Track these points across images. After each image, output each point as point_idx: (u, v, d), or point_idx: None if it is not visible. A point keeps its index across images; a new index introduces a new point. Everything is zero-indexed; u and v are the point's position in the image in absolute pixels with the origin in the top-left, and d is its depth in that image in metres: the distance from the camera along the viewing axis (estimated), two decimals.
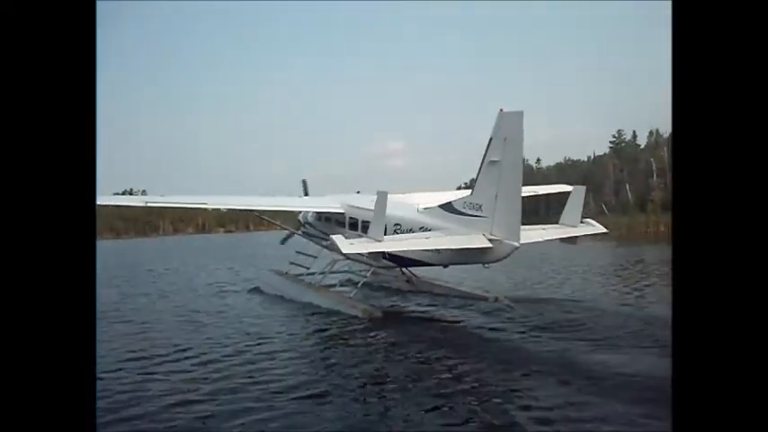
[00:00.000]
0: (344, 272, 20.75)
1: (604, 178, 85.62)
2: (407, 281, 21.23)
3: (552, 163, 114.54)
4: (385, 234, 15.35)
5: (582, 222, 17.68)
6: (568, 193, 17.92)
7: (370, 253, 16.05)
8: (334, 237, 15.06)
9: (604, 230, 18.63)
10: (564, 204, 17.69)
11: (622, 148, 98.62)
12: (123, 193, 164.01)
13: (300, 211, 21.98)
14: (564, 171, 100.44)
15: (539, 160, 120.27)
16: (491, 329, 14.80)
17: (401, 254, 16.25)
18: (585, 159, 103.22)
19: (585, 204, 18.48)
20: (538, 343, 13.01)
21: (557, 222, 17.78)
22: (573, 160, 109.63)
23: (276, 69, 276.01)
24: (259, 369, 11.25)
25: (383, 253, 16.44)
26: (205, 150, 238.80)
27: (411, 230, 16.11)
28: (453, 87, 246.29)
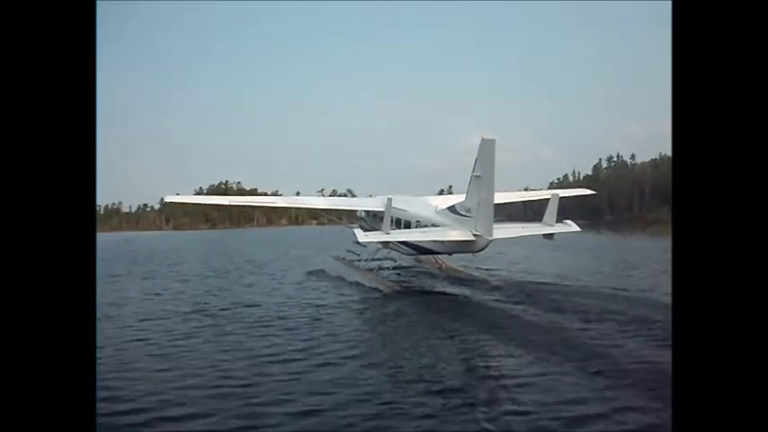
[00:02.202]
0: (384, 258, 27.04)
1: None
2: (439, 267, 27.65)
3: (647, 159, 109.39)
4: (409, 227, 22.70)
5: (561, 222, 22.22)
6: (582, 195, 23.75)
7: (383, 242, 22.14)
8: (354, 230, 21.32)
9: (578, 229, 23.01)
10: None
11: None
12: (219, 185, 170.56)
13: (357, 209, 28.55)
14: (659, 167, 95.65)
15: (633, 156, 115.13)
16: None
17: (420, 245, 22.84)
18: None
19: None
20: None
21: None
22: (668, 156, 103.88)
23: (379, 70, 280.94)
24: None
25: (407, 245, 23.39)
26: (306, 148, 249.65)
27: (426, 226, 22.25)
28: (540, 84, 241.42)
